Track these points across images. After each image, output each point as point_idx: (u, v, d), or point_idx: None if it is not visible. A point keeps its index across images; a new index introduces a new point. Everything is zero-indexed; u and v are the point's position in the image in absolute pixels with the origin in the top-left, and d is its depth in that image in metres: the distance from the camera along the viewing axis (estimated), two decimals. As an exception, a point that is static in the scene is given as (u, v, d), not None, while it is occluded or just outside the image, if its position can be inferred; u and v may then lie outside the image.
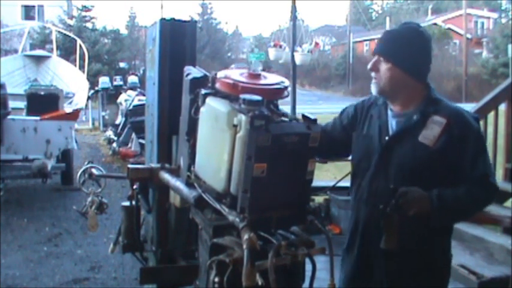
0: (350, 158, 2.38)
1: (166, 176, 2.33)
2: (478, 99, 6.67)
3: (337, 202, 5.74)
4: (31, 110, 7.58)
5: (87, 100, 12.58)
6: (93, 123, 16.08)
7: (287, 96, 2.01)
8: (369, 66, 2.21)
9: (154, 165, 2.52)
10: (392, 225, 2.03)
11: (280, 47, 12.50)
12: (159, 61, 2.75)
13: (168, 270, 2.60)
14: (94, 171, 3.04)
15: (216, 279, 1.78)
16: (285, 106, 2.54)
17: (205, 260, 1.88)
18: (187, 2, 78.16)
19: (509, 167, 5.36)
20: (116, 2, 78.94)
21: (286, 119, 1.83)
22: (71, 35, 19.43)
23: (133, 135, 9.65)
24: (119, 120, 11.86)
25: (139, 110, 8.35)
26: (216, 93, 1.93)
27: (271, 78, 1.97)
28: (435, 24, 38.26)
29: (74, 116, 7.60)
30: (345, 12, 71.55)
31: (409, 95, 2.18)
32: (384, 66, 2.16)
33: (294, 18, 10.50)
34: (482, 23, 43.21)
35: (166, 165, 2.45)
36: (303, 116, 1.88)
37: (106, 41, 31.81)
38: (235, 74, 1.94)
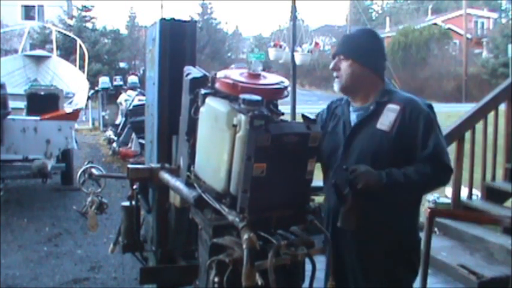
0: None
1: (166, 176, 2.33)
2: (478, 99, 6.66)
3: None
4: (31, 110, 7.57)
5: (87, 100, 12.58)
6: (93, 123, 16.08)
7: (287, 96, 2.02)
8: (331, 67, 2.42)
9: (154, 165, 2.52)
10: (347, 204, 2.18)
11: (280, 47, 12.51)
12: (159, 61, 2.76)
13: (168, 270, 2.60)
14: (94, 171, 3.05)
15: (216, 279, 1.78)
16: (285, 106, 2.55)
17: (205, 260, 1.88)
18: (187, 2, 78.10)
19: (509, 167, 5.36)
20: (116, 2, 78.86)
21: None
22: (71, 35, 19.43)
23: (133, 135, 9.65)
24: (119, 120, 11.86)
25: (139, 110, 8.34)
26: (216, 93, 1.93)
27: (271, 78, 1.97)
28: (435, 24, 38.29)
29: (74, 116, 7.59)
30: (345, 12, 71.51)
31: (368, 89, 2.39)
32: (344, 64, 2.37)
33: (294, 18, 10.52)
34: (482, 23, 43.19)
35: (166, 165, 2.45)
36: (303, 116, 1.88)
37: (106, 41, 31.82)
38: (235, 74, 1.94)
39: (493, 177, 5.37)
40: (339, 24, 55.23)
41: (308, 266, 1.90)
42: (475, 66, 33.43)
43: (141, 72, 23.85)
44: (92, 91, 14.15)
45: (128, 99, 11.31)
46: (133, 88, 12.30)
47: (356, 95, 2.41)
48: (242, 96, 1.77)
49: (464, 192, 5.33)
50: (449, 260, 4.42)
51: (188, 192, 2.02)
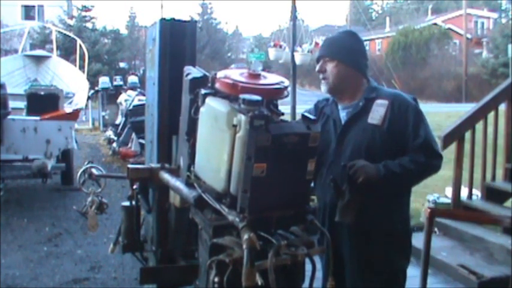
0: None
1: (166, 176, 2.33)
2: (478, 99, 6.66)
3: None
4: (31, 110, 7.56)
5: (87, 100, 12.56)
6: (93, 123, 16.07)
7: (287, 96, 2.02)
8: (317, 69, 2.52)
9: (154, 165, 2.52)
10: (344, 199, 2.24)
11: (280, 47, 12.50)
12: (159, 61, 2.76)
13: (168, 270, 2.60)
14: (94, 171, 3.05)
15: (216, 279, 1.78)
16: (285, 106, 2.55)
17: (205, 260, 1.88)
18: (187, 2, 78.15)
19: (509, 167, 5.36)
20: (116, 2, 78.91)
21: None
22: (71, 35, 19.41)
23: (133, 135, 9.64)
24: (119, 120, 11.84)
25: (139, 110, 8.33)
26: (216, 93, 1.93)
27: (271, 78, 1.97)
28: (435, 24, 38.26)
29: (74, 116, 7.58)
30: (345, 12, 71.51)
31: (354, 88, 2.49)
32: (330, 66, 2.47)
33: (294, 18, 10.51)
34: (482, 23, 43.17)
35: (166, 165, 2.45)
36: (303, 116, 1.88)
37: (106, 41, 31.82)
38: (235, 74, 1.94)
39: (493, 177, 5.37)
40: (339, 24, 55.28)
41: (308, 266, 1.90)
42: (475, 66, 33.40)
43: (141, 72, 23.85)
44: (92, 91, 14.13)
45: (128, 99, 11.29)
46: (133, 88, 12.29)
47: (343, 95, 2.50)
48: (242, 96, 1.77)
49: (464, 192, 5.33)
50: (449, 260, 4.42)
51: (188, 192, 2.02)
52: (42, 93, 7.87)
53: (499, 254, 4.43)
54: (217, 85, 1.93)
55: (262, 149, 1.69)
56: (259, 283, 1.67)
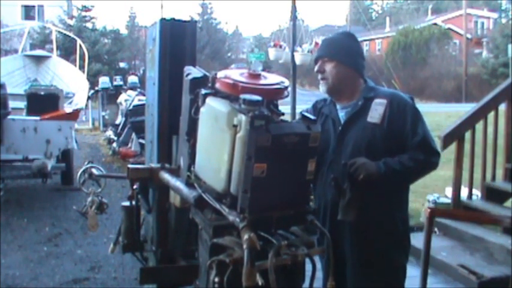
0: None
1: (166, 176, 2.33)
2: (478, 99, 6.66)
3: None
4: (31, 110, 7.56)
5: (87, 100, 12.55)
6: (93, 123, 16.07)
7: (287, 96, 2.02)
8: (316, 69, 2.54)
9: (154, 165, 2.52)
10: (346, 197, 2.27)
11: (280, 47, 12.50)
12: (159, 61, 2.75)
13: (168, 270, 2.60)
14: (94, 171, 3.05)
15: (216, 279, 1.78)
16: (285, 106, 2.55)
17: (205, 260, 1.88)
18: (187, 2, 78.13)
19: (509, 167, 5.35)
20: (116, 2, 78.93)
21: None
22: (71, 35, 19.41)
23: (133, 135, 9.64)
24: (119, 120, 11.84)
25: (139, 110, 8.33)
26: (216, 93, 1.93)
27: (271, 78, 1.97)
28: (435, 24, 38.24)
29: (74, 116, 7.58)
30: (345, 12, 71.53)
31: (352, 88, 2.52)
32: (329, 66, 2.50)
33: (294, 18, 10.51)
34: (482, 23, 43.16)
35: (166, 165, 2.45)
36: (303, 116, 1.88)
37: (106, 41, 31.82)
38: (235, 74, 1.94)
39: (493, 177, 5.37)
40: (339, 24, 55.30)
41: (308, 266, 1.89)
42: (475, 66, 33.40)
43: (141, 72, 23.86)
44: (92, 91, 14.12)
45: (128, 99, 11.29)
46: (133, 88, 12.28)
47: (342, 95, 2.54)
48: (242, 96, 1.77)
49: (464, 192, 5.33)
50: (449, 260, 4.42)
51: (188, 192, 2.02)
52: (42, 93, 7.87)
53: (499, 254, 4.43)
54: (217, 85, 1.93)
55: (262, 149, 1.69)
56: (260, 283, 1.67)
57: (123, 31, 38.75)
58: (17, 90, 8.86)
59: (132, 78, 13.29)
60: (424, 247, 3.10)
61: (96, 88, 14.85)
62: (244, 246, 1.65)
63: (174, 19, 2.79)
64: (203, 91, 1.96)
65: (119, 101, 12.48)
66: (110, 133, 11.95)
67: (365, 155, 2.36)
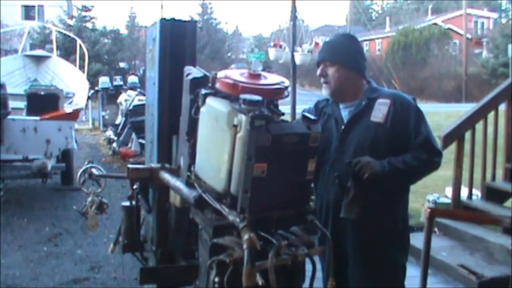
0: None
1: (166, 176, 2.33)
2: (478, 99, 6.65)
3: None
4: (31, 110, 7.55)
5: (87, 100, 12.56)
6: (93, 123, 16.07)
7: (287, 96, 2.02)
8: (318, 73, 2.55)
9: (154, 165, 2.52)
10: (349, 195, 2.28)
11: (280, 47, 12.49)
12: (159, 61, 2.75)
13: (168, 270, 2.60)
14: (94, 171, 3.05)
15: (216, 279, 1.78)
16: (285, 106, 2.55)
17: (205, 260, 1.88)
18: (187, 2, 78.13)
19: (509, 167, 5.35)
20: (116, 2, 78.95)
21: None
22: (71, 35, 19.40)
23: (133, 135, 9.64)
24: (119, 120, 11.84)
25: (139, 110, 8.33)
26: (216, 93, 1.93)
27: (271, 78, 1.97)
28: (435, 24, 38.24)
29: (74, 116, 7.58)
30: (345, 12, 71.53)
31: (355, 89, 2.53)
32: (331, 70, 2.51)
33: (294, 18, 10.50)
34: (482, 23, 43.15)
35: (166, 165, 2.45)
36: (303, 116, 1.88)
37: (106, 41, 31.82)
38: (235, 74, 1.94)
39: (493, 177, 5.37)
40: (339, 24, 55.35)
41: (308, 266, 1.89)
42: (475, 66, 33.39)
43: (141, 72, 23.82)
44: (92, 91, 14.13)
45: (128, 99, 11.29)
46: (133, 88, 12.28)
47: (345, 97, 2.55)
48: (243, 96, 1.77)
49: (464, 192, 5.33)
50: (449, 260, 4.42)
51: (188, 192, 2.02)
52: (42, 93, 7.87)
53: (499, 254, 4.43)
54: (217, 85, 1.93)
55: (262, 149, 1.69)
56: (260, 283, 1.67)
57: (123, 31, 38.81)
58: (17, 90, 8.86)
59: (132, 78, 13.29)
60: (424, 247, 3.10)
61: (96, 88, 14.85)
62: (244, 246, 1.65)
63: (174, 19, 2.79)
64: (203, 91, 1.97)
65: (119, 101, 12.47)
66: (110, 133, 11.95)
67: (368, 154, 2.37)
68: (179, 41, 2.76)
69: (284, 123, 1.85)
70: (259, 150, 1.69)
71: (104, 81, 14.90)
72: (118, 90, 13.77)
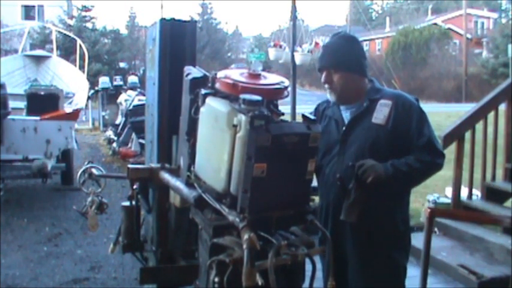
0: None
1: (166, 176, 2.33)
2: (478, 99, 6.66)
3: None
4: (31, 110, 7.56)
5: (87, 100, 12.56)
6: (93, 123, 16.07)
7: (287, 96, 2.02)
8: (323, 80, 2.52)
9: (154, 165, 2.52)
10: (350, 198, 2.26)
11: (280, 47, 12.49)
12: (159, 61, 2.76)
13: (168, 270, 2.60)
14: (94, 171, 3.05)
15: (216, 279, 1.78)
16: (285, 106, 2.55)
17: (205, 260, 1.88)
18: (187, 2, 78.13)
19: (509, 167, 5.35)
20: (116, 2, 78.93)
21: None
22: (71, 35, 19.41)
23: (133, 135, 9.64)
24: (119, 120, 11.84)
25: (139, 110, 8.33)
26: (216, 93, 1.93)
27: (271, 78, 1.97)
28: (435, 24, 38.23)
29: (74, 116, 7.58)
30: (345, 12, 71.52)
31: (359, 91, 2.51)
32: (336, 76, 2.47)
33: (294, 18, 10.50)
34: (482, 23, 43.15)
35: (166, 165, 2.45)
36: (303, 116, 1.88)
37: (106, 41, 31.82)
38: (235, 74, 1.94)
39: (493, 177, 5.37)
40: (339, 24, 55.28)
41: (308, 266, 1.89)
42: (475, 66, 33.39)
43: (141, 72, 23.83)
44: (92, 91, 14.13)
45: (128, 99, 11.29)
46: (133, 88, 12.29)
47: (350, 100, 2.52)
48: (242, 96, 1.77)
49: (464, 192, 5.33)
50: (449, 260, 4.42)
51: (188, 192, 2.02)
52: (42, 93, 7.88)
53: (499, 254, 4.43)
54: (217, 85, 1.93)
55: (262, 149, 1.69)
56: (260, 283, 1.67)
57: (123, 31, 38.79)
58: (17, 90, 8.86)
59: (132, 78, 13.29)
60: (424, 247, 3.10)
61: (96, 88, 14.85)
62: (244, 246, 1.65)
63: (174, 19, 2.80)
64: (203, 91, 1.97)
65: (119, 101, 12.47)
66: (110, 133, 11.95)
67: (368, 155, 2.35)
68: (179, 41, 2.76)
69: (284, 123, 1.85)
70: (259, 150, 1.69)
71: (104, 81, 14.90)
72: (118, 90, 13.77)
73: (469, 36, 35.83)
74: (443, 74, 32.81)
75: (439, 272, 4.36)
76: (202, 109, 1.94)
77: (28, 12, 32.50)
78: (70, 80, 10.64)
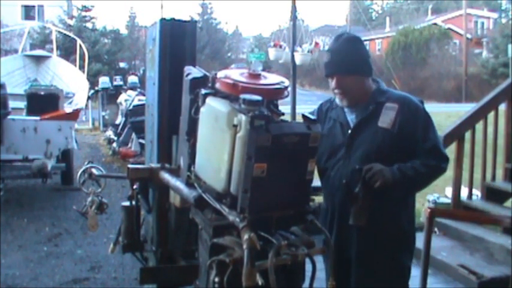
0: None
1: (166, 176, 2.33)
2: (478, 99, 6.66)
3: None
4: (31, 110, 7.56)
5: (87, 100, 12.56)
6: (93, 123, 16.07)
7: (287, 96, 2.02)
8: (333, 87, 2.47)
9: (154, 165, 2.52)
10: (358, 202, 2.25)
11: (280, 47, 12.51)
12: (159, 61, 2.75)
13: (168, 270, 2.60)
14: (94, 171, 3.05)
15: (216, 279, 1.78)
16: (285, 106, 2.55)
17: (205, 260, 1.88)
18: (187, 2, 78.13)
19: (509, 167, 5.35)
20: (116, 2, 78.88)
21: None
22: (71, 35, 19.42)
23: (133, 135, 9.65)
24: (119, 120, 11.85)
25: (139, 110, 8.34)
26: (216, 93, 1.93)
27: (271, 78, 1.97)
28: (435, 24, 38.23)
29: (74, 116, 7.58)
30: (345, 12, 71.53)
31: (366, 92, 2.49)
32: (347, 81, 2.43)
33: (294, 18, 10.52)
34: (482, 23, 43.15)
35: (166, 165, 2.45)
36: (303, 116, 1.88)
37: (106, 41, 31.83)
38: (235, 74, 1.94)
39: (493, 177, 5.37)
40: (339, 24, 55.30)
41: (308, 266, 1.89)
42: (475, 66, 33.40)
43: (141, 72, 23.83)
44: (92, 91, 14.13)
45: (128, 99, 11.30)
46: (133, 88, 12.29)
47: (358, 102, 2.48)
48: (242, 96, 1.77)
49: (464, 192, 5.33)
50: (449, 260, 4.42)
51: (188, 192, 2.02)
52: (42, 93, 7.88)
53: (499, 254, 4.43)
54: (217, 85, 1.93)
55: (262, 149, 1.69)
56: (260, 283, 1.67)
57: (123, 31, 38.79)
58: (17, 90, 8.87)
59: (132, 78, 13.30)
60: (424, 247, 3.10)
61: (96, 88, 14.85)
62: (244, 246, 1.65)
63: (174, 19, 2.79)
64: (203, 91, 1.96)
65: (119, 101, 12.48)
66: (110, 133, 11.96)
67: (375, 159, 2.34)
68: (179, 41, 2.76)
69: (284, 123, 1.85)
70: (259, 150, 1.68)
71: (104, 81, 14.91)
72: (118, 90, 13.78)
73: (469, 36, 35.84)
74: (443, 74, 32.82)
75: (439, 272, 4.36)
76: (202, 109, 1.94)
77: (28, 12, 32.50)
78: (70, 80, 10.65)
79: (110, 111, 14.43)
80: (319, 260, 1.89)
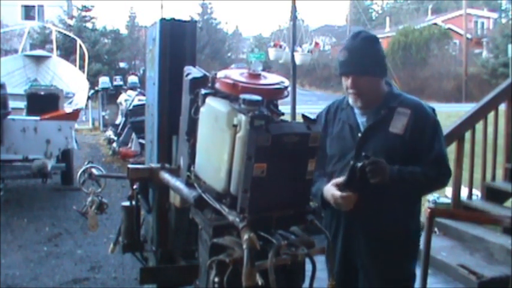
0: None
1: (166, 176, 2.33)
2: (478, 99, 6.65)
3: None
4: (31, 110, 7.57)
5: (87, 100, 12.57)
6: (93, 123, 16.07)
7: (287, 96, 2.01)
8: (348, 86, 2.40)
9: (154, 165, 2.52)
10: (353, 176, 2.24)
11: (280, 47, 12.52)
12: (159, 61, 2.76)
13: (168, 270, 2.60)
14: (94, 171, 3.05)
15: (216, 279, 1.78)
16: (285, 106, 2.55)
17: (205, 260, 1.88)
18: (187, 2, 78.12)
19: (509, 167, 5.35)
20: (116, 2, 78.82)
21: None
22: (71, 35, 19.42)
23: (133, 135, 9.65)
24: (119, 120, 11.86)
25: (139, 110, 8.35)
26: (216, 93, 1.93)
27: (271, 78, 1.97)
28: (435, 24, 38.23)
29: (74, 116, 7.59)
30: (345, 12, 71.50)
31: (379, 93, 2.44)
32: (361, 81, 2.38)
33: (294, 18, 10.50)
34: (482, 23, 43.15)
35: (166, 165, 2.45)
36: (303, 116, 1.88)
37: (106, 41, 31.82)
38: (235, 74, 1.94)
39: (493, 177, 5.37)
40: (339, 24, 55.32)
41: (308, 266, 1.89)
42: (475, 66, 33.40)
43: (141, 72, 23.83)
44: (92, 91, 14.14)
45: (128, 99, 11.31)
46: (133, 88, 12.30)
47: (372, 104, 2.43)
48: (242, 96, 1.77)
49: (464, 192, 5.33)
50: (449, 260, 4.42)
51: (188, 192, 2.02)
52: (42, 93, 7.88)
53: (499, 254, 4.43)
54: (217, 85, 1.93)
55: (262, 149, 1.69)
56: (260, 283, 1.67)
57: (123, 31, 38.76)
58: (17, 90, 8.87)
59: (132, 78, 13.30)
60: (424, 247, 3.11)
61: (96, 88, 14.86)
62: (244, 246, 1.65)
63: (174, 19, 2.79)
64: (203, 91, 1.96)
65: (119, 101, 12.49)
66: (110, 133, 11.96)
67: None
68: (179, 41, 2.76)
69: (284, 123, 1.84)
70: (259, 150, 1.68)
71: (104, 81, 14.91)
72: (118, 90, 13.79)
73: (469, 36, 35.83)
74: (443, 74, 32.82)
75: (439, 272, 4.36)
76: (202, 109, 1.94)
77: (28, 12, 32.51)
78: (70, 80, 10.65)
79: (110, 111, 14.44)
80: (319, 260, 1.89)
